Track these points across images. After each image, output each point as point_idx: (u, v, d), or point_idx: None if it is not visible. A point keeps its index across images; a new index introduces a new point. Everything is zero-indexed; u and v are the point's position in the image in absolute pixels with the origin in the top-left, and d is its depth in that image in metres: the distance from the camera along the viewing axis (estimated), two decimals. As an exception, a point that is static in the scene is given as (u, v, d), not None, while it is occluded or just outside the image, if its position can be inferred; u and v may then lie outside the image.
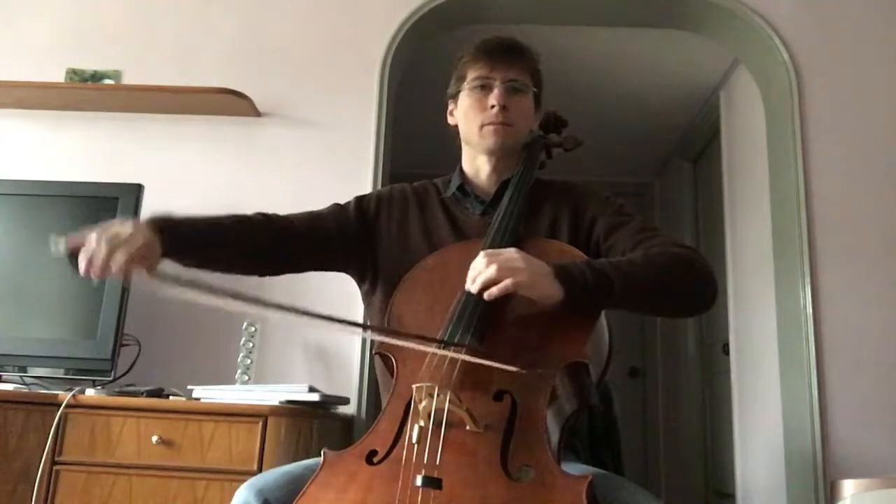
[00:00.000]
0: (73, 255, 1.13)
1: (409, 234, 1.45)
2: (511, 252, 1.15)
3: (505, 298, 1.14)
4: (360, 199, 1.51)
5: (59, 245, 1.13)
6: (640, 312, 1.31)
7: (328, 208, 1.49)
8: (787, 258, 2.51)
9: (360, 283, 1.48)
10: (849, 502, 1.95)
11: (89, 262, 1.12)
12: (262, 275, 1.43)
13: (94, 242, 1.12)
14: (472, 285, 1.15)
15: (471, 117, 1.44)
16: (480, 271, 1.13)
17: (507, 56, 1.43)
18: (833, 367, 2.32)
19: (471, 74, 1.44)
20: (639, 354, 4.85)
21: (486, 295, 1.12)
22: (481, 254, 1.16)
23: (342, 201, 1.51)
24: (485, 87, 1.42)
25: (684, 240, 4.07)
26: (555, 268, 1.14)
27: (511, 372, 1.04)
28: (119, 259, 1.11)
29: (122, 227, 1.15)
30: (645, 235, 1.32)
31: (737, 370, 3.31)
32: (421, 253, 1.36)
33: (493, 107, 1.40)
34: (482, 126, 1.42)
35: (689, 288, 1.27)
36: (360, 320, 2.34)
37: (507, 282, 1.10)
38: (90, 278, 1.13)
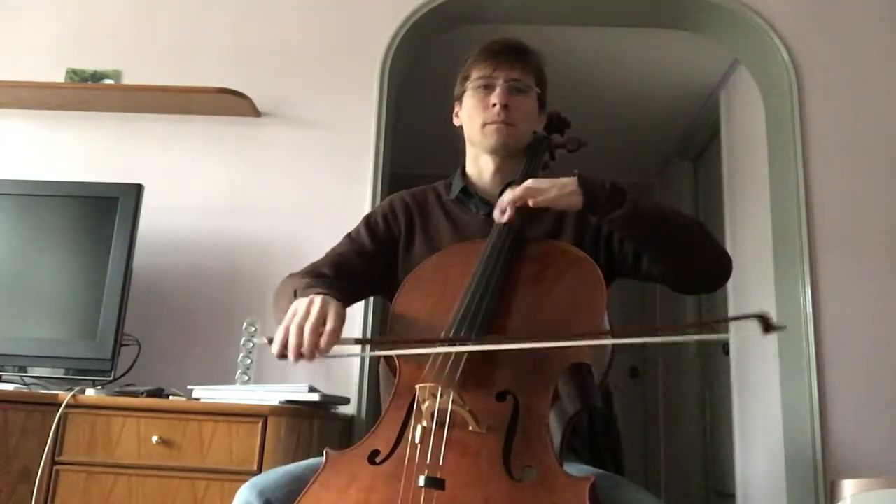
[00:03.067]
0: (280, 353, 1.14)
1: (413, 242, 1.46)
2: (530, 181, 1.26)
3: (510, 296, 1.14)
4: (368, 221, 1.52)
5: (270, 347, 1.14)
6: (653, 253, 1.33)
7: (346, 246, 1.48)
8: (787, 258, 2.51)
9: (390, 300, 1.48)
10: (849, 502, 1.95)
11: (298, 353, 1.11)
12: None
13: (294, 336, 1.11)
14: (502, 215, 1.25)
15: (474, 116, 1.45)
16: (505, 198, 1.25)
17: (511, 56, 1.45)
18: (833, 367, 2.32)
19: (475, 74, 1.46)
20: (639, 354, 4.85)
21: (531, 202, 1.23)
22: (507, 191, 1.27)
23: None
24: (488, 87, 1.44)
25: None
26: (579, 177, 1.26)
27: (514, 371, 1.04)
28: (327, 342, 1.10)
29: (315, 308, 1.13)
30: None
31: (737, 370, 3.31)
32: (424, 258, 1.37)
33: (494, 105, 1.41)
34: (484, 125, 1.43)
35: (703, 245, 1.33)
36: (359, 333, 2.35)
37: (538, 197, 1.23)
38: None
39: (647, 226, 1.28)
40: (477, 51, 1.48)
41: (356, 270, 1.43)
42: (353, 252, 1.46)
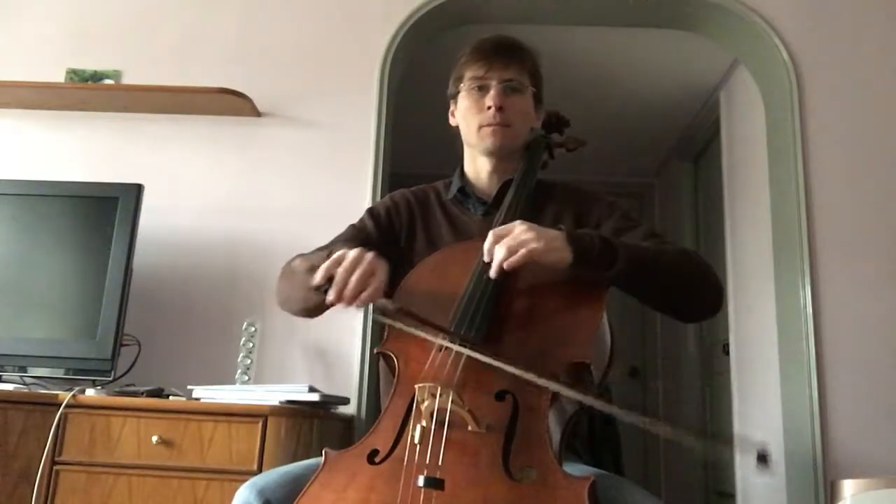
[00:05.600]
0: (320, 286, 1.14)
1: (414, 240, 1.46)
2: (518, 224, 1.17)
3: (509, 296, 1.14)
4: (371, 212, 1.51)
5: (315, 281, 1.14)
6: (644, 299, 1.28)
7: (351, 233, 1.47)
8: (787, 258, 2.51)
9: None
10: (849, 502, 1.95)
11: (340, 293, 1.12)
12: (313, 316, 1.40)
13: (343, 275, 1.12)
14: (490, 269, 1.15)
15: (469, 119, 1.44)
16: (492, 252, 1.15)
17: (504, 55, 1.43)
18: (833, 367, 2.32)
19: (468, 75, 1.44)
20: (639, 354, 4.84)
21: (506, 265, 1.13)
22: (490, 233, 1.17)
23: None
24: (482, 88, 1.43)
25: (684, 241, 4.08)
26: (566, 233, 1.17)
27: (513, 372, 1.04)
28: (371, 290, 1.12)
29: (366, 259, 1.13)
30: (654, 241, 1.33)
31: (737, 370, 3.31)
32: (424, 256, 1.36)
33: (489, 108, 1.40)
34: (480, 127, 1.43)
35: (695, 284, 1.29)
36: (359, 332, 2.35)
37: (522, 251, 1.12)
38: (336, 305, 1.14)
39: (639, 278, 1.23)
40: (469, 50, 1.46)
41: None
42: (359, 241, 1.43)
